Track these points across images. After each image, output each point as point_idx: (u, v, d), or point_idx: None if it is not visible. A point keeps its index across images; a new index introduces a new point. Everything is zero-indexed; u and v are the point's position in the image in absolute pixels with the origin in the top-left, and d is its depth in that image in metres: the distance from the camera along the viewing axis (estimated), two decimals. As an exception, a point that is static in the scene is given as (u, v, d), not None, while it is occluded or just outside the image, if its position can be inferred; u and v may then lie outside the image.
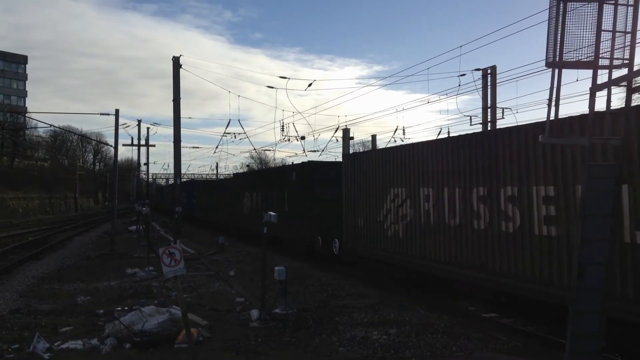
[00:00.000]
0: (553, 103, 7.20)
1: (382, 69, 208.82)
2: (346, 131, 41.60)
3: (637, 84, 7.08)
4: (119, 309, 11.92)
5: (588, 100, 6.97)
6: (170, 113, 33.90)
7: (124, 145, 54.04)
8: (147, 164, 62.64)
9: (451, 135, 28.44)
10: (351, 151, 43.71)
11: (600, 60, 6.96)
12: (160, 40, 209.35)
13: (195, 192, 48.63)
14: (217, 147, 49.86)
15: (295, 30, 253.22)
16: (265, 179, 27.99)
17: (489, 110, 26.02)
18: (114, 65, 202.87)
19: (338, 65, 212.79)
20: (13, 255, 23.95)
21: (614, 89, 7.20)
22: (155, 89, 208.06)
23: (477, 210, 11.95)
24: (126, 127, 48.34)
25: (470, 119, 29.18)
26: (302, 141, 40.63)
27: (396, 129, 38.79)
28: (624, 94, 7.10)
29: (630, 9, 6.86)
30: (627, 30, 6.92)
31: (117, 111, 29.41)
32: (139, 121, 53.04)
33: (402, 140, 37.92)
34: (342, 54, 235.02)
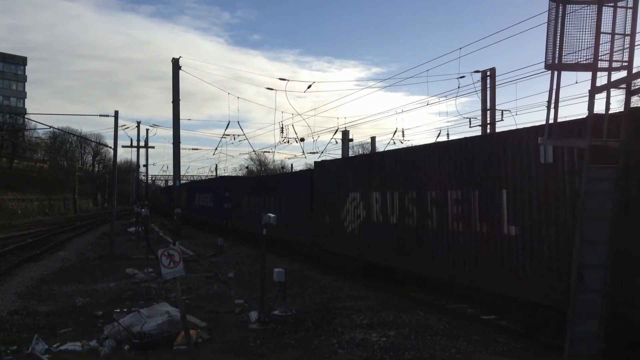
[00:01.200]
0: (552, 105, 7.22)
1: (381, 71, 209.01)
2: (345, 133, 41.69)
3: (636, 87, 7.09)
4: (118, 310, 11.91)
5: (587, 103, 6.99)
6: (169, 114, 33.84)
7: (123, 146, 54.10)
8: (146, 165, 62.74)
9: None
10: (350, 154, 43.75)
11: (599, 62, 6.98)
12: (159, 42, 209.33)
13: (227, 194, 33.75)
14: (216, 149, 49.86)
15: (293, 32, 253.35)
16: (415, 166, 13.98)
17: (488, 112, 26.05)
18: (112, 67, 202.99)
19: (336, 66, 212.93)
20: (12, 257, 23.93)
21: (613, 91, 7.21)
22: (154, 90, 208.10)
23: None
24: (125, 128, 48.34)
25: (470, 121, 29.23)
26: (302, 143, 40.56)
27: (395, 131, 38.83)
28: (623, 96, 7.11)
29: (630, 11, 6.88)
30: (626, 33, 6.94)
31: (116, 112, 29.41)
32: (139, 123, 53.23)
33: (402, 143, 37.92)
34: (340, 55, 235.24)
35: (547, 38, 7.18)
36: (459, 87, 26.96)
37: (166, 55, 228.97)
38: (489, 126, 25.97)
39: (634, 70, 6.97)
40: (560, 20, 6.99)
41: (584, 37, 6.94)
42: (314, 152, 46.77)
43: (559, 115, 7.31)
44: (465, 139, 13.02)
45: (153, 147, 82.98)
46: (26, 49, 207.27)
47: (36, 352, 9.13)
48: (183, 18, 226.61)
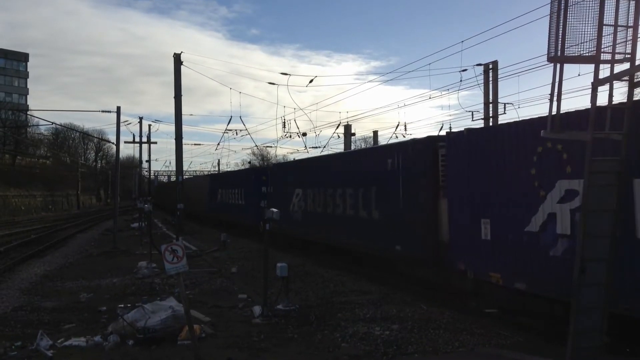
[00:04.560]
0: (555, 98, 7.19)
1: (380, 65, 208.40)
2: (348, 127, 41.61)
3: (639, 79, 7.06)
4: (122, 306, 11.95)
5: (590, 95, 6.96)
6: (170, 109, 34.12)
7: (125, 142, 54.13)
8: (149, 161, 62.81)
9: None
10: (353, 148, 43.72)
11: (602, 54, 6.95)
12: (158, 38, 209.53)
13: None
14: (218, 144, 49.81)
15: (292, 26, 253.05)
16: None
17: (490, 105, 25.98)
18: (112, 63, 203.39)
19: (335, 60, 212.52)
20: (16, 253, 24.00)
21: (616, 84, 7.19)
22: (154, 86, 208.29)
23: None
24: (128, 124, 48.45)
25: (472, 115, 29.17)
26: (304, 137, 40.39)
27: (398, 125, 38.68)
28: (626, 89, 7.08)
29: (632, 3, 6.84)
30: (629, 25, 6.90)
31: (118, 108, 29.42)
32: (141, 118, 53.21)
33: (404, 136, 37.86)
34: (339, 49, 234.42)
35: (549, 30, 7.15)
36: (461, 81, 27.01)
37: (165, 50, 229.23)
38: (491, 119, 25.91)
39: (637, 63, 6.93)
40: (562, 12, 6.96)
41: (586, 30, 6.91)
42: (317, 147, 46.70)
43: (562, 107, 7.28)
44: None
45: (155, 143, 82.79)
46: (24, 46, 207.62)
47: (41, 347, 9.16)
48: (180, 13, 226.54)
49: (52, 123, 68.54)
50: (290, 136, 39.38)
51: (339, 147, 46.01)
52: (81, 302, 13.33)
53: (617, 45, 6.93)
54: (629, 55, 6.97)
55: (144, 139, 55.18)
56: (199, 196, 44.99)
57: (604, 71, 7.09)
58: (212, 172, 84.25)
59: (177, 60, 34.25)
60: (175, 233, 30.57)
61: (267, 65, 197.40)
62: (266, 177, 27.13)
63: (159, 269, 17.13)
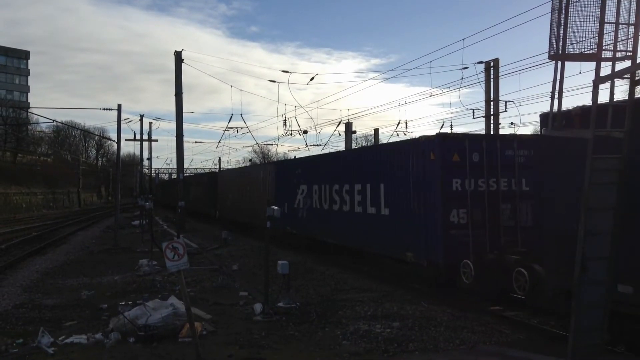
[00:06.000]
0: (556, 96, 7.19)
1: (380, 62, 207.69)
2: (348, 125, 41.56)
3: (640, 76, 7.05)
4: (123, 303, 11.96)
5: (591, 93, 6.95)
6: (170, 107, 34.11)
7: (126, 140, 54.26)
8: (150, 158, 62.83)
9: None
10: (354, 146, 43.72)
11: (603, 52, 6.94)
12: (157, 35, 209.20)
13: None
14: (219, 142, 49.82)
15: (290, 23, 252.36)
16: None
17: (491, 103, 25.95)
18: (112, 60, 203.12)
19: (335, 58, 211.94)
20: (17, 250, 24.03)
21: (618, 82, 7.18)
22: (153, 83, 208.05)
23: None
24: (128, 122, 48.66)
25: (473, 112, 29.16)
26: (305, 135, 40.34)
27: (399, 123, 38.62)
28: (627, 87, 7.07)
29: (633, 1, 6.83)
30: (630, 22, 6.89)
31: (119, 106, 29.40)
32: (142, 116, 53.24)
33: (405, 134, 37.82)
34: (338, 47, 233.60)
35: (550, 28, 7.15)
36: (462, 78, 27.07)
37: (165, 47, 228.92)
38: (492, 117, 25.89)
39: (638, 60, 6.92)
40: (564, 10, 6.95)
41: (587, 27, 6.90)
42: (317, 145, 46.75)
43: (563, 105, 7.28)
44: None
45: (156, 141, 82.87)
46: (24, 43, 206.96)
47: (42, 344, 9.18)
48: (180, 10, 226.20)
49: (53, 121, 68.70)
50: (291, 134, 39.39)
51: (340, 145, 46.00)
52: (82, 300, 13.35)
53: (618, 43, 6.93)
54: (630, 53, 6.96)
55: (145, 137, 55.28)
56: (255, 197, 27.43)
57: (606, 69, 7.09)
58: (212, 169, 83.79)
59: (178, 57, 34.26)
60: (177, 230, 30.60)
61: (267, 63, 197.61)
62: (500, 152, 12.79)
63: (160, 267, 17.14)
